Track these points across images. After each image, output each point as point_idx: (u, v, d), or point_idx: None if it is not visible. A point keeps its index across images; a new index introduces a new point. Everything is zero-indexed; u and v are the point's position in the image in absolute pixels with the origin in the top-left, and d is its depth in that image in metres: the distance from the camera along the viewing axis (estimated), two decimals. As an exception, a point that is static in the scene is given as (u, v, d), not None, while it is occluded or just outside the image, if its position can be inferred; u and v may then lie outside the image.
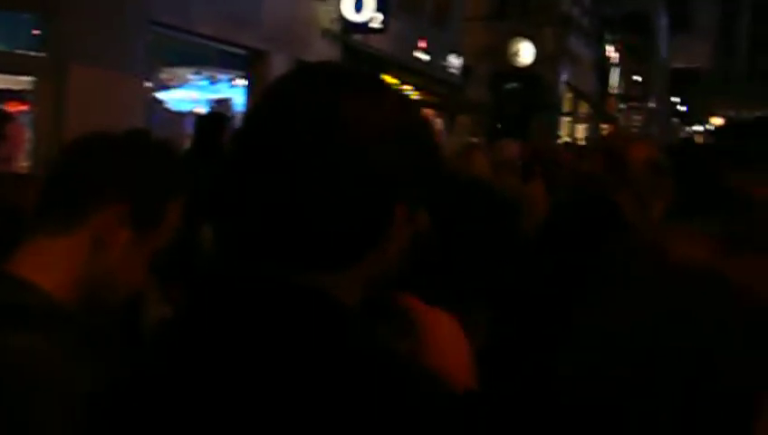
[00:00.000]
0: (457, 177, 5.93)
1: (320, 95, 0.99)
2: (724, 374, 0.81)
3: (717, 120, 63.23)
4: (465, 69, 20.72)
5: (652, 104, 46.96)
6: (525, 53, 23.96)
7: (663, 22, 49.63)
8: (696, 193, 2.60)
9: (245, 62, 11.67)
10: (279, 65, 11.35)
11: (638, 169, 2.39)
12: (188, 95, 11.35)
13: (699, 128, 65.33)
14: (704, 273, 0.84)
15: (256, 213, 0.98)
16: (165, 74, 10.97)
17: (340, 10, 13.14)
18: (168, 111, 10.93)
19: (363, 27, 13.15)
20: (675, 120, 63.07)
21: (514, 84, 24.35)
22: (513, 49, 23.86)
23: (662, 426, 0.81)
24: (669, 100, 59.51)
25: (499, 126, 21.76)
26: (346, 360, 0.90)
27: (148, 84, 9.76)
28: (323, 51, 12.88)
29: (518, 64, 23.98)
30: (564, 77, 26.77)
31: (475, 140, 14.52)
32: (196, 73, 11.57)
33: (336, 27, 13.16)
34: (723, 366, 0.81)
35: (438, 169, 1.12)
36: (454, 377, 1.08)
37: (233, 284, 1.01)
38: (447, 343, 1.12)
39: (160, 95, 10.84)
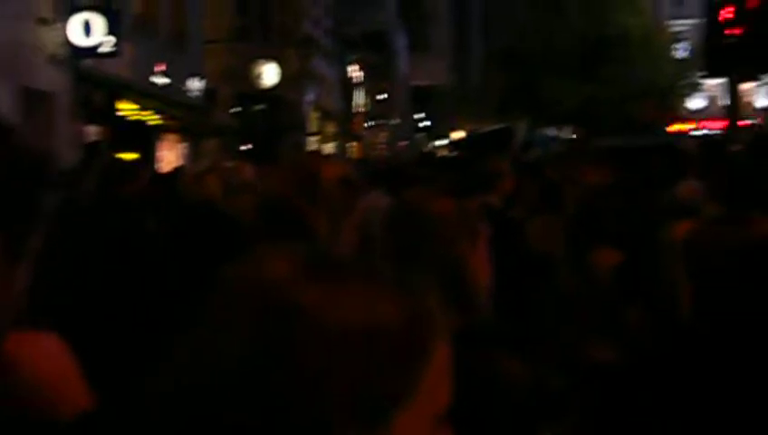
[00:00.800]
0: (188, 201, 5.85)
1: None
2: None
3: (458, 134, 66.64)
4: (209, 92, 20.51)
5: (396, 121, 48.67)
6: (269, 74, 24.09)
7: (401, 41, 51.64)
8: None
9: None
10: (3, 94, 10.69)
11: (331, 187, 2.40)
12: None
13: (443, 142, 68.50)
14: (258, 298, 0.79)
15: None
16: None
17: (66, 34, 12.57)
18: None
19: (92, 52, 12.64)
20: (419, 135, 65.70)
21: (260, 106, 24.42)
22: (257, 71, 23.92)
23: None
24: (413, 116, 61.91)
25: (244, 148, 21.70)
26: None
27: None
28: (52, 77, 12.28)
29: (262, 86, 24.06)
30: (310, 97, 27.16)
31: (229, 163, 14.36)
32: None
33: (64, 52, 12.58)
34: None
35: (50, 198, 1.06)
36: (60, 402, 1.10)
37: None
38: (45, 370, 1.10)
39: None
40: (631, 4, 35.33)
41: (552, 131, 37.42)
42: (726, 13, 6.76)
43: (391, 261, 1.00)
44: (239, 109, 23.86)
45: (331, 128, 31.62)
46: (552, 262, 5.00)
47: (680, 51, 38.55)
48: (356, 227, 2.44)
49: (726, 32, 6.75)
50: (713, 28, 7.05)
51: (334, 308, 0.77)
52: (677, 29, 42.66)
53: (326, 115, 30.35)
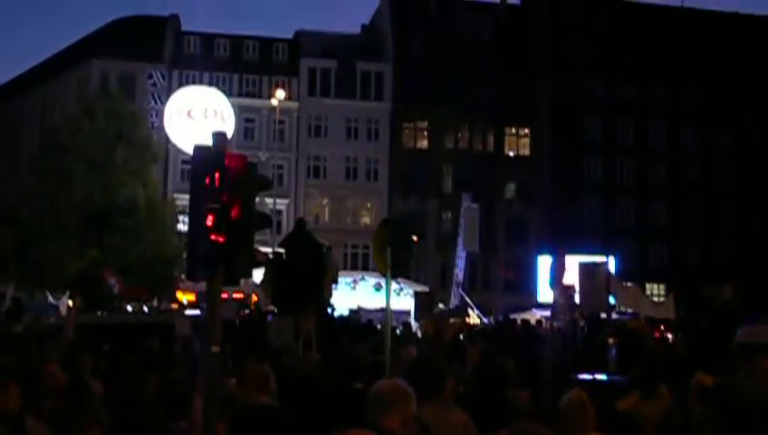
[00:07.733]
0: None
1: None
2: None
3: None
4: None
5: None
6: None
7: None
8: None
9: None
10: None
11: None
12: None
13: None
14: None
15: None
16: None
17: None
18: None
19: None
20: None
21: None
22: None
23: None
24: None
25: None
26: None
27: None
28: None
29: None
30: None
31: None
32: None
33: None
34: None
35: None
36: None
37: None
38: None
39: None
40: (139, 176, 35.85)
41: (56, 298, 35.77)
42: (209, 220, 6.87)
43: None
44: None
45: None
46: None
47: (184, 224, 39.71)
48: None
49: (210, 237, 6.85)
50: (194, 233, 7.10)
51: None
52: (183, 203, 44.00)
53: None
